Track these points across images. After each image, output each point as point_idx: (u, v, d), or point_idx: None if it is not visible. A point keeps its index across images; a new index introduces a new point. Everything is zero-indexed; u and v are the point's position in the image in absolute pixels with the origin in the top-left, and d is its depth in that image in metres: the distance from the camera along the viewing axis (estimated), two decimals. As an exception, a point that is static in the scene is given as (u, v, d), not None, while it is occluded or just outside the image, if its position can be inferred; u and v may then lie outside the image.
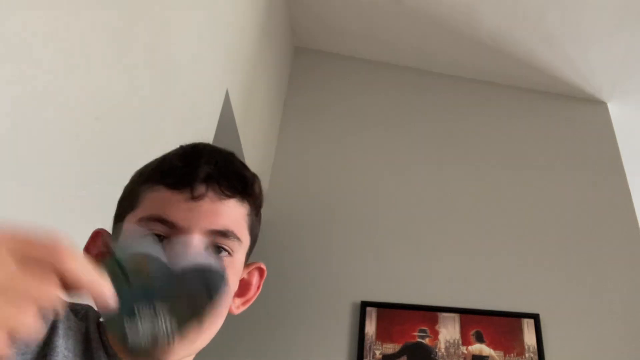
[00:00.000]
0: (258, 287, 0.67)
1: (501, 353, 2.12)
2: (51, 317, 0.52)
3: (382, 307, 2.22)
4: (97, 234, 0.64)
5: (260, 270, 0.68)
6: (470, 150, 2.68)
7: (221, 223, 0.57)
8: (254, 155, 2.34)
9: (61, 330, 0.53)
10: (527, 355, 2.10)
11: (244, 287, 0.66)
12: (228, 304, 0.61)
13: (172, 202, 0.57)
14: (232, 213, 0.59)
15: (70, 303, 0.58)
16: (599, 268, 2.31)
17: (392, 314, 2.21)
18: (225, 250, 0.58)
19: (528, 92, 2.89)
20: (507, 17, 2.54)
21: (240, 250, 0.60)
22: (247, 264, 0.65)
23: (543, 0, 2.43)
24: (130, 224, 0.59)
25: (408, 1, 2.59)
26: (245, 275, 0.66)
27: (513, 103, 2.86)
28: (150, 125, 1.30)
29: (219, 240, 0.58)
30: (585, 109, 2.83)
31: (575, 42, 2.57)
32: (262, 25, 2.31)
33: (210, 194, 0.58)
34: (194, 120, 1.61)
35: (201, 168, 0.58)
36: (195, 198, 0.57)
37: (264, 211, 0.67)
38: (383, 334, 2.16)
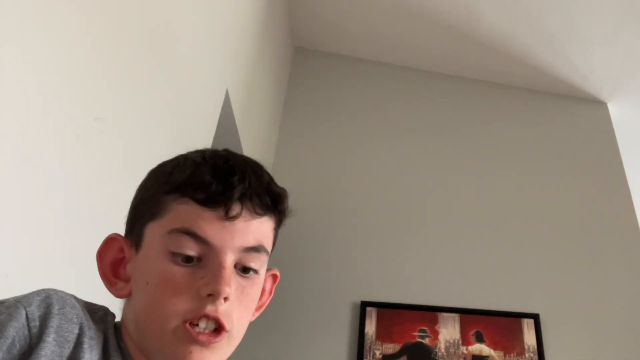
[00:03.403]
0: (270, 292, 0.67)
1: (501, 353, 2.12)
2: (76, 332, 0.52)
3: (382, 307, 2.22)
4: (112, 240, 0.63)
5: (274, 277, 0.68)
6: (471, 150, 2.68)
7: (253, 239, 0.58)
8: (254, 155, 2.34)
9: (86, 345, 0.52)
10: (527, 355, 2.10)
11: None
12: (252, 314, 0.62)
13: (205, 219, 0.56)
14: (262, 228, 0.59)
15: (86, 303, 0.58)
16: (599, 268, 2.31)
17: (392, 314, 2.21)
18: (253, 270, 0.59)
19: (528, 92, 2.89)
20: (507, 17, 2.54)
21: (265, 263, 0.61)
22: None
23: (543, 0, 2.43)
24: (156, 234, 0.58)
25: (408, 1, 2.59)
26: None
27: (513, 103, 2.86)
28: (150, 125, 1.30)
29: (249, 258, 0.58)
30: (585, 109, 2.83)
31: (575, 42, 2.57)
32: (262, 25, 2.31)
33: (244, 213, 0.58)
34: (194, 120, 1.61)
35: (236, 188, 0.57)
36: (229, 217, 0.57)
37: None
38: (383, 334, 2.16)
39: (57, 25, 0.91)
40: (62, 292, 0.54)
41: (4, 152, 0.80)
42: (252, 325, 0.65)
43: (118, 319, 0.61)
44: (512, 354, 2.11)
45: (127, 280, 0.60)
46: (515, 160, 2.65)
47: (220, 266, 0.56)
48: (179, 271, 0.56)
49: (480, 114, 2.82)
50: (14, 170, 0.83)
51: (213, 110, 1.78)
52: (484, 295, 2.25)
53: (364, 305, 2.22)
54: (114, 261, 0.62)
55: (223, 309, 0.55)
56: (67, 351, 0.50)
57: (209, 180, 0.57)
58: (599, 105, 2.84)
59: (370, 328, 2.17)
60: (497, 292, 2.27)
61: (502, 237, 2.42)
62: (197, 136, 1.65)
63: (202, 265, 0.56)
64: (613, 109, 2.83)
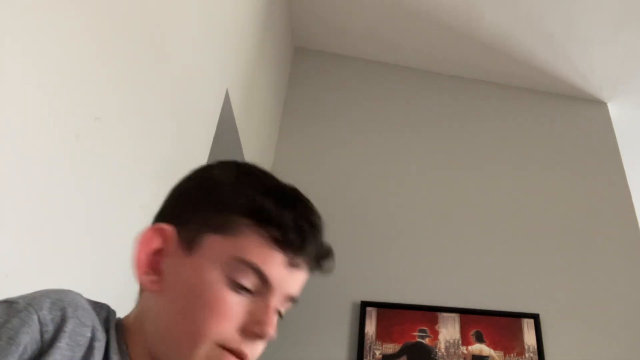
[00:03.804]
0: None
1: (501, 353, 2.12)
2: (89, 335, 0.51)
3: (382, 307, 2.22)
4: (162, 231, 0.60)
5: None
6: (470, 150, 2.68)
7: (298, 291, 0.61)
8: (254, 155, 2.35)
9: (96, 350, 0.52)
10: (527, 355, 2.10)
11: None
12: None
13: (276, 260, 0.57)
14: (305, 281, 0.62)
15: (91, 302, 0.56)
16: (599, 268, 2.31)
17: (392, 314, 2.21)
18: (281, 316, 0.61)
19: (528, 92, 2.89)
20: (507, 17, 2.54)
21: None
22: None
23: (543, 0, 2.43)
24: (218, 251, 0.57)
25: (408, 1, 2.59)
26: None
27: (513, 103, 2.86)
28: (150, 125, 1.30)
29: (286, 304, 0.60)
30: (585, 109, 2.83)
31: (575, 42, 2.57)
32: (262, 25, 2.31)
33: (305, 267, 0.61)
34: (194, 120, 1.61)
35: (312, 245, 0.59)
36: (294, 265, 0.59)
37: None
38: (383, 334, 2.16)
39: (57, 24, 0.91)
40: (71, 292, 0.53)
41: (4, 152, 0.80)
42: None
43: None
44: (512, 354, 2.11)
45: (159, 274, 0.59)
46: (515, 160, 2.65)
47: (271, 309, 0.57)
48: (231, 298, 0.55)
49: (480, 114, 2.82)
50: (14, 170, 0.83)
51: (213, 110, 1.78)
52: (484, 295, 2.25)
53: (364, 305, 2.22)
54: (154, 250, 0.60)
55: (257, 349, 0.57)
56: (78, 355, 0.50)
57: (291, 225, 0.58)
58: (599, 105, 2.84)
59: (370, 328, 2.17)
60: (497, 292, 2.27)
61: (502, 237, 2.42)
62: (197, 136, 1.66)
63: (253, 299, 0.57)
64: (613, 109, 2.83)
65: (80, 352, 0.50)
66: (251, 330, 0.55)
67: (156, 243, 0.60)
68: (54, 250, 0.94)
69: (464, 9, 2.55)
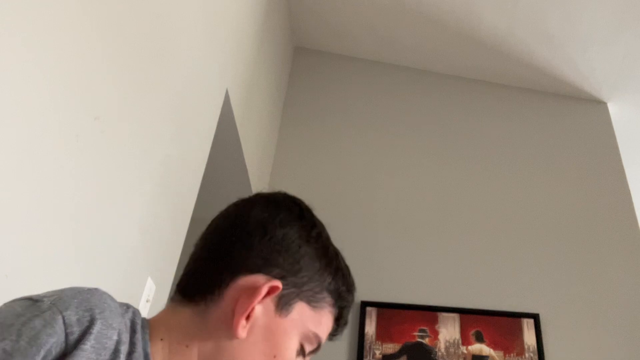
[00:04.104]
0: None
1: (501, 353, 2.12)
2: (115, 338, 0.49)
3: (382, 307, 2.22)
4: (276, 289, 0.60)
5: None
6: (470, 150, 2.68)
7: None
8: (254, 155, 2.35)
9: (122, 354, 0.50)
10: (527, 355, 2.10)
11: None
12: None
13: (329, 329, 0.65)
14: None
15: (118, 303, 0.54)
16: (599, 268, 2.31)
17: (392, 314, 2.21)
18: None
19: (528, 92, 2.89)
20: (507, 17, 2.54)
21: None
22: None
23: (543, 0, 2.43)
24: (304, 322, 0.62)
25: (408, 1, 2.59)
26: None
27: (513, 103, 2.86)
28: (151, 125, 1.30)
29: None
30: (585, 109, 2.83)
31: (575, 42, 2.57)
32: (262, 25, 2.31)
33: None
34: (194, 120, 1.61)
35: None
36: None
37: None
38: (383, 334, 2.16)
39: (57, 24, 0.91)
40: (98, 291, 0.52)
41: (4, 152, 0.80)
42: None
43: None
44: (512, 354, 2.11)
45: (248, 319, 0.58)
46: (515, 160, 2.65)
47: None
48: None
49: (480, 113, 2.82)
50: (14, 170, 0.83)
51: (213, 110, 1.78)
52: (484, 295, 2.25)
53: (364, 305, 2.22)
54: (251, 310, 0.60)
55: None
56: (103, 358, 0.48)
57: (348, 309, 0.67)
58: (599, 105, 2.84)
59: (370, 328, 2.17)
60: (497, 292, 2.27)
61: (502, 237, 2.42)
62: (197, 136, 1.66)
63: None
64: (613, 109, 2.83)
65: (106, 355, 0.48)
66: None
67: (263, 296, 0.60)
68: (54, 250, 0.94)
69: (464, 9, 2.55)
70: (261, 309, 0.59)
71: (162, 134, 1.37)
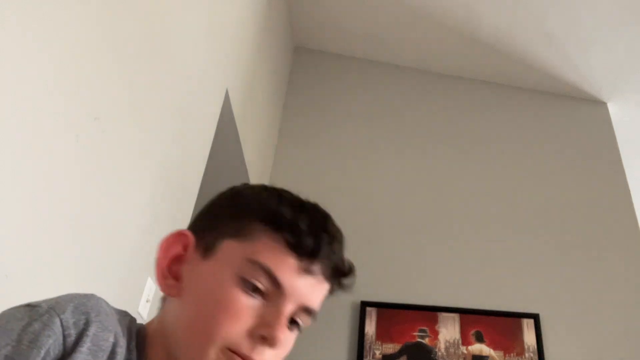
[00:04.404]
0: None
1: (501, 353, 2.12)
2: (112, 340, 0.51)
3: (382, 307, 2.22)
4: (183, 236, 0.61)
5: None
6: (471, 150, 2.68)
7: (314, 302, 0.59)
8: (254, 155, 2.35)
9: (119, 356, 0.52)
10: (527, 355, 2.10)
11: None
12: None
13: (287, 264, 0.57)
14: (323, 295, 0.61)
15: (114, 308, 0.56)
16: (599, 268, 2.31)
17: (392, 314, 2.21)
18: (299, 326, 0.59)
19: (528, 92, 2.89)
20: (507, 17, 2.54)
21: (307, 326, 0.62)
22: None
23: (543, 0, 2.43)
24: (233, 255, 0.58)
25: (408, 1, 2.59)
26: None
27: (513, 103, 2.86)
28: (150, 125, 1.30)
29: (302, 316, 0.59)
30: (585, 109, 2.83)
31: (575, 42, 2.57)
32: (262, 25, 2.31)
33: (320, 275, 0.59)
34: (194, 120, 1.61)
35: (325, 249, 0.58)
36: (308, 272, 0.58)
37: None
38: (383, 334, 2.16)
39: (57, 25, 0.91)
40: (94, 296, 0.53)
41: (4, 152, 0.80)
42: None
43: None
44: (512, 354, 2.11)
45: (177, 278, 0.59)
46: (515, 160, 2.65)
47: (282, 314, 0.56)
48: (243, 299, 0.55)
49: (480, 113, 2.82)
50: (14, 170, 0.83)
51: (213, 110, 1.78)
52: (484, 295, 2.25)
53: (364, 305, 2.22)
54: (174, 256, 0.61)
55: (266, 356, 0.55)
56: None
57: (306, 230, 0.58)
58: (599, 105, 2.84)
59: (370, 328, 2.17)
60: (497, 292, 2.27)
61: (502, 237, 2.42)
62: (197, 136, 1.66)
63: (265, 303, 0.56)
64: (613, 109, 2.83)
65: (103, 357, 0.49)
66: (260, 333, 0.55)
67: (176, 249, 0.61)
68: (54, 250, 0.94)
69: (464, 9, 2.55)
70: (189, 265, 0.59)
71: (162, 134, 1.37)
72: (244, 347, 0.54)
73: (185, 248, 0.61)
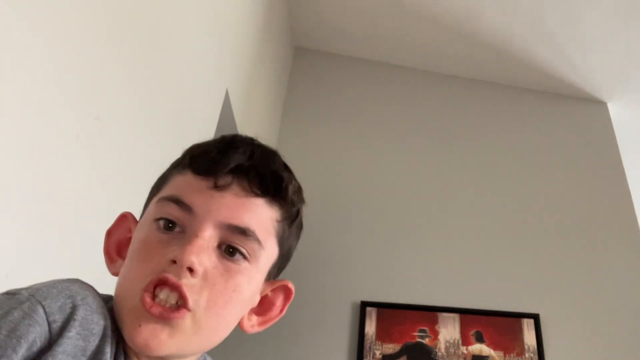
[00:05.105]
0: (282, 310, 0.61)
1: (501, 353, 2.12)
2: (102, 323, 0.48)
3: (382, 307, 2.22)
4: (123, 218, 0.60)
5: (287, 291, 0.61)
6: (470, 150, 2.68)
7: (242, 220, 0.52)
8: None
9: (111, 339, 0.48)
10: (527, 355, 2.10)
11: (265, 306, 0.60)
12: (240, 316, 0.56)
13: (194, 187, 0.53)
14: (257, 213, 0.54)
15: (99, 293, 0.53)
16: (599, 268, 2.31)
17: (392, 314, 2.21)
18: (241, 253, 0.53)
19: (528, 92, 2.89)
20: (507, 17, 2.54)
21: (262, 257, 0.55)
22: (272, 280, 0.60)
23: (543, 0, 2.43)
24: (151, 207, 0.56)
25: (408, 1, 2.59)
26: (269, 293, 0.60)
27: (513, 103, 2.86)
28: (150, 125, 1.30)
29: (235, 239, 0.52)
30: (585, 109, 2.83)
31: (575, 42, 2.57)
32: (262, 25, 2.31)
33: (236, 187, 0.53)
34: (194, 120, 1.61)
35: (233, 158, 0.54)
36: (218, 187, 0.53)
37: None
38: (383, 334, 2.16)
39: (57, 24, 0.91)
40: (78, 280, 0.50)
41: (4, 152, 0.80)
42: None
43: None
44: (512, 354, 2.11)
45: (119, 254, 0.59)
46: (515, 160, 2.65)
47: (194, 235, 0.51)
48: (155, 237, 0.52)
49: (479, 114, 2.82)
50: (14, 170, 0.83)
51: (213, 110, 1.78)
52: (484, 295, 2.25)
53: (364, 305, 2.22)
54: (121, 240, 0.59)
55: (188, 282, 0.49)
56: (92, 345, 0.46)
57: (209, 150, 0.55)
58: (599, 105, 2.84)
59: (370, 328, 2.17)
60: (497, 292, 2.27)
61: (502, 237, 2.42)
62: (197, 136, 1.65)
63: (182, 235, 0.52)
64: (613, 109, 2.83)
65: (94, 341, 0.46)
66: (168, 258, 0.50)
67: (120, 232, 0.60)
68: (54, 250, 0.94)
69: (464, 9, 2.55)
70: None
71: (162, 134, 1.37)
72: (154, 275, 0.50)
73: (130, 230, 0.59)
